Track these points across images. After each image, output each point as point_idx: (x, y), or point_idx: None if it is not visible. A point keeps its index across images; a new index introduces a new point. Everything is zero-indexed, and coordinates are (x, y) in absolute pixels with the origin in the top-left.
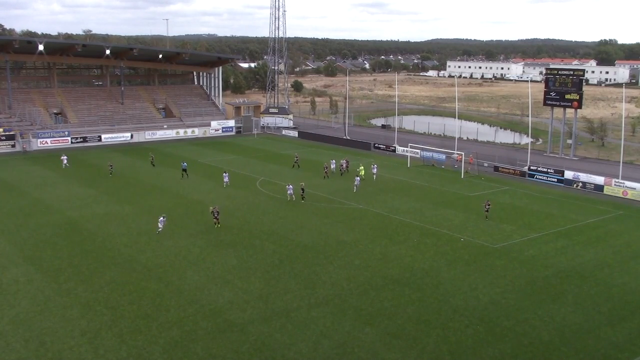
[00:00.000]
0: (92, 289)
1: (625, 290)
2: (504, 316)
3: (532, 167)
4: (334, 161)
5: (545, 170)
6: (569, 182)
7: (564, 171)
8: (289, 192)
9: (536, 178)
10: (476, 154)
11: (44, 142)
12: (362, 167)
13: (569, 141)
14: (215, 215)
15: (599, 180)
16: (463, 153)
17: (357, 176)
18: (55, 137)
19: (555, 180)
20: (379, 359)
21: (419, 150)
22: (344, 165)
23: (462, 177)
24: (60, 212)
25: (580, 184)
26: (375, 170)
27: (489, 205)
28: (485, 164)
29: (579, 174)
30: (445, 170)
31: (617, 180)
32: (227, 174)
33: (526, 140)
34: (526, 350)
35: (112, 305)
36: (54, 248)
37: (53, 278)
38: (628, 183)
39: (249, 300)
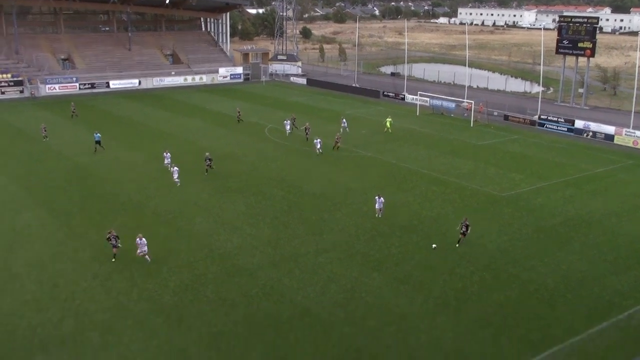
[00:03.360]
0: (104, 234)
1: (631, 239)
2: (511, 263)
3: (542, 116)
4: (287, 121)
5: (555, 119)
6: (579, 132)
7: (574, 120)
8: (174, 176)
9: (546, 127)
10: (486, 102)
11: (52, 88)
12: (390, 119)
13: (581, 90)
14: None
15: (610, 129)
16: (473, 101)
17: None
18: (63, 82)
19: (566, 129)
20: (385, 304)
21: (428, 99)
22: (288, 124)
23: (472, 125)
24: (70, 158)
25: (591, 134)
26: (344, 125)
27: (466, 225)
28: (495, 113)
29: (590, 123)
30: (454, 119)
31: (628, 130)
32: (168, 154)
33: (537, 89)
34: (531, 296)
35: (122, 249)
36: (65, 193)
37: (65, 222)
38: (639, 133)
39: (258, 245)
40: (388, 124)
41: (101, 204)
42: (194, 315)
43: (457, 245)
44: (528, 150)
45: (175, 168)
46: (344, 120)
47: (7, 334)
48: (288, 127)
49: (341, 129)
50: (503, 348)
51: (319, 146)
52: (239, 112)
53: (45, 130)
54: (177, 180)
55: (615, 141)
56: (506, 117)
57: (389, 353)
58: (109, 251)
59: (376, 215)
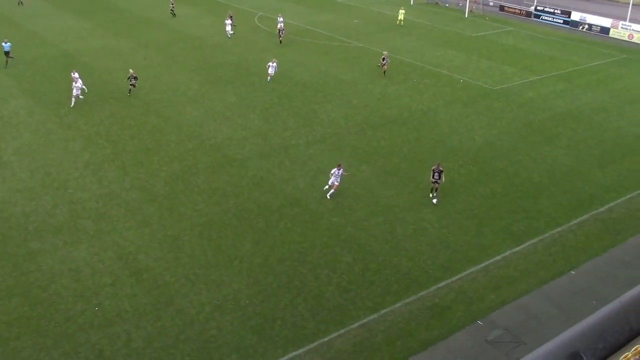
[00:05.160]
0: (93, 123)
1: (618, 134)
2: (498, 157)
3: (538, 7)
4: (227, 22)
5: (552, 10)
6: (575, 24)
7: (570, 12)
8: (75, 92)
9: (542, 19)
10: None
11: None
12: (403, 11)
13: None
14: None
15: (606, 22)
16: None
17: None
18: None
19: (561, 21)
20: (374, 195)
21: None
22: (229, 25)
23: (466, 16)
24: (55, 45)
25: (587, 26)
26: (280, 24)
27: (439, 171)
28: (491, 3)
29: (586, 15)
30: (449, 9)
31: (624, 22)
32: (76, 74)
33: None
34: (516, 189)
35: (113, 139)
36: (52, 82)
37: (53, 111)
38: (635, 26)
39: (248, 136)
40: (401, 16)
41: (89, 93)
42: (185, 205)
43: (432, 195)
44: (522, 42)
45: (77, 84)
46: (281, 18)
47: (2, 221)
48: (229, 27)
49: (278, 27)
50: (486, 238)
51: (271, 71)
52: (172, 4)
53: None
54: (76, 96)
55: (610, 34)
56: (502, 8)
57: (375, 243)
58: (100, 140)
59: (327, 193)
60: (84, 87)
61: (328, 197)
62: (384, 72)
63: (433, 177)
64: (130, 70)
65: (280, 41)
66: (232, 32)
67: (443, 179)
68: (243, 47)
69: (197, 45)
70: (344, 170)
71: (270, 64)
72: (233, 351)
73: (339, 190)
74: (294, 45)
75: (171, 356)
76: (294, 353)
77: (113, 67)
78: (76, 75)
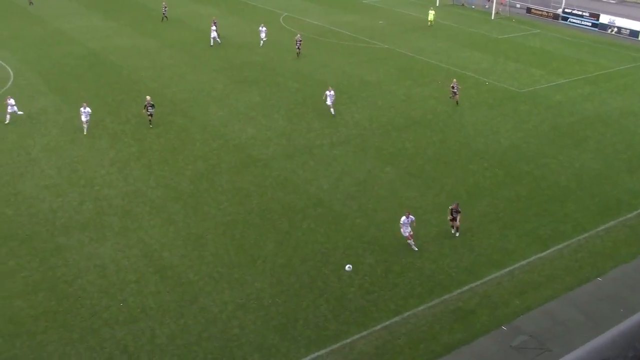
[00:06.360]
0: (119, 121)
1: None
2: (524, 160)
3: (566, 10)
4: (213, 28)
5: (580, 13)
6: (604, 27)
7: (599, 15)
8: (83, 118)
9: (570, 21)
10: None
11: None
12: (432, 12)
13: None
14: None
15: (636, 25)
16: None
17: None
18: None
19: (590, 24)
20: (398, 197)
21: None
22: (214, 31)
23: (493, 18)
24: (82, 44)
25: (616, 29)
26: (263, 35)
27: (457, 211)
28: (518, 5)
29: (615, 18)
30: (475, 11)
31: None
32: (11, 100)
33: None
34: (543, 193)
35: (139, 138)
36: (78, 80)
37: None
38: None
39: (272, 137)
40: (431, 17)
41: (116, 91)
42: (210, 204)
43: (456, 234)
44: (549, 45)
45: (11, 101)
46: (263, 28)
47: (30, 217)
48: (214, 34)
49: (261, 41)
50: (511, 242)
51: (330, 102)
52: (165, 7)
53: None
54: (86, 122)
55: None
56: (529, 10)
57: (398, 245)
58: (126, 139)
59: (407, 241)
60: (20, 112)
61: (415, 249)
62: (457, 103)
63: (451, 215)
64: (147, 97)
65: (298, 54)
66: (219, 39)
67: (459, 218)
68: (268, 47)
69: (221, 45)
70: (414, 216)
71: (327, 92)
72: (255, 350)
73: (362, 191)
74: (319, 46)
75: (194, 353)
76: (317, 353)
77: (140, 65)
78: (11, 101)
